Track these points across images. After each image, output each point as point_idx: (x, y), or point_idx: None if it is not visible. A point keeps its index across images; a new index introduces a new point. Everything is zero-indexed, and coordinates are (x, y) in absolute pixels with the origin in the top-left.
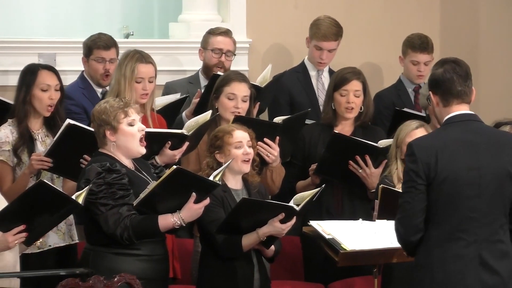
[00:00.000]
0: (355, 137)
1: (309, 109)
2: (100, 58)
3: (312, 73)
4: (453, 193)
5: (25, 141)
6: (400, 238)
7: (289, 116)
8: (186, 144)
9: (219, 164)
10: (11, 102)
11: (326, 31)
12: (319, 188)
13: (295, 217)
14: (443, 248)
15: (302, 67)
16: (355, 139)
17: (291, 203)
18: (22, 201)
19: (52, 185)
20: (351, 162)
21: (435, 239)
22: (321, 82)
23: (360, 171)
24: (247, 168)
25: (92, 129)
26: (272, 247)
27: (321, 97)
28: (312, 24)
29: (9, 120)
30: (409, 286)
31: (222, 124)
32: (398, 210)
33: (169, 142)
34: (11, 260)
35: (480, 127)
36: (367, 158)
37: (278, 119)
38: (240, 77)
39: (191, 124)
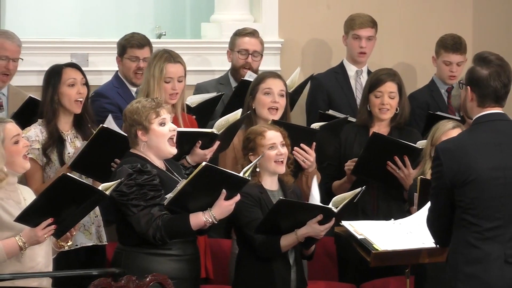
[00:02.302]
0: None
1: (348, 116)
2: (134, 57)
3: (351, 73)
4: (479, 194)
5: (54, 141)
6: (432, 237)
7: (327, 122)
8: (217, 143)
9: (255, 166)
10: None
11: (362, 20)
12: (359, 189)
13: (333, 219)
14: (469, 247)
15: (341, 67)
16: (395, 140)
17: (330, 205)
18: (48, 195)
19: (76, 177)
20: (389, 162)
21: (462, 239)
22: (359, 82)
23: (398, 171)
24: (281, 169)
25: (125, 134)
26: None
27: (359, 97)
28: (346, 20)
29: (39, 120)
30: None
31: (259, 122)
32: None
33: (200, 142)
34: (42, 260)
35: (507, 127)
36: (406, 159)
37: (315, 125)
38: (274, 74)
39: (221, 123)
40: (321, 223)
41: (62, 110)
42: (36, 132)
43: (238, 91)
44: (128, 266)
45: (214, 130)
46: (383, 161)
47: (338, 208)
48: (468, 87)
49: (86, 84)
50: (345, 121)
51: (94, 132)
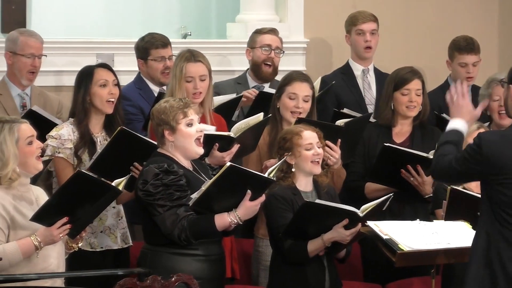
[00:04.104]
0: (413, 138)
1: (371, 112)
2: (160, 57)
3: (357, 72)
4: None
5: (86, 142)
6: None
7: (351, 119)
8: (236, 146)
9: (289, 166)
10: (57, 122)
11: (364, 14)
12: (386, 196)
13: (359, 224)
14: (506, 246)
15: (346, 67)
16: (406, 151)
17: (358, 210)
18: (63, 193)
19: (90, 174)
20: (403, 171)
21: (497, 237)
22: (366, 81)
23: (412, 179)
24: (318, 169)
25: (143, 137)
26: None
27: (367, 96)
28: (347, 19)
29: (70, 119)
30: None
31: (283, 124)
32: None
33: (217, 144)
34: (54, 261)
35: None
36: (419, 167)
37: (340, 122)
38: (302, 77)
39: (240, 126)
40: (347, 228)
41: (94, 111)
42: (68, 131)
43: (256, 103)
44: (153, 266)
45: (231, 133)
46: (397, 169)
47: (364, 213)
48: (511, 85)
49: (118, 85)
50: (368, 117)
51: (114, 134)
